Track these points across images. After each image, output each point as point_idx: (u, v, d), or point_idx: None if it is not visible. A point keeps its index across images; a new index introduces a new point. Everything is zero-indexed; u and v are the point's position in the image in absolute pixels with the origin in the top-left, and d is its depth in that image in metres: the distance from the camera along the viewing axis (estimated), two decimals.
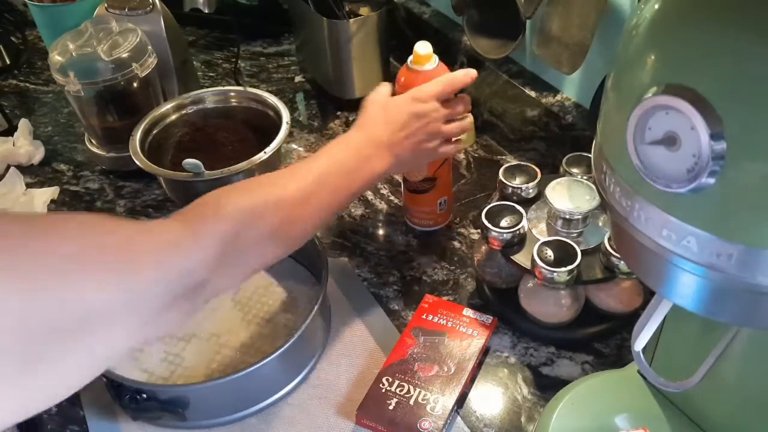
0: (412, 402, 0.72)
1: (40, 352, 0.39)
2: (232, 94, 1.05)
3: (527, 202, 0.82)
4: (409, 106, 0.77)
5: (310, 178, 0.67)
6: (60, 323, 0.40)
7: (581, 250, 0.73)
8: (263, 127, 1.00)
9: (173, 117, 1.03)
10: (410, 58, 0.82)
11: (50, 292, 0.40)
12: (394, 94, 0.81)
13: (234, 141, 0.99)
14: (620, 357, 0.78)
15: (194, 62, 1.31)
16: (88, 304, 0.42)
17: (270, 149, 0.92)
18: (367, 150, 0.73)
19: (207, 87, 1.12)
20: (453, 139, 0.82)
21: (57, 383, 0.42)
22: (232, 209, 0.59)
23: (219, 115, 1.04)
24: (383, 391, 0.74)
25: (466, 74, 0.80)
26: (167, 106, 1.02)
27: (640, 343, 0.58)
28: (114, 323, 0.44)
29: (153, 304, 0.48)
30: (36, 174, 1.12)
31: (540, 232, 0.78)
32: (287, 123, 0.96)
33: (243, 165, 0.90)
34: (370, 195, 1.02)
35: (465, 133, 0.83)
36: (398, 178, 1.00)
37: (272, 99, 1.01)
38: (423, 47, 0.81)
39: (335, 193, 0.69)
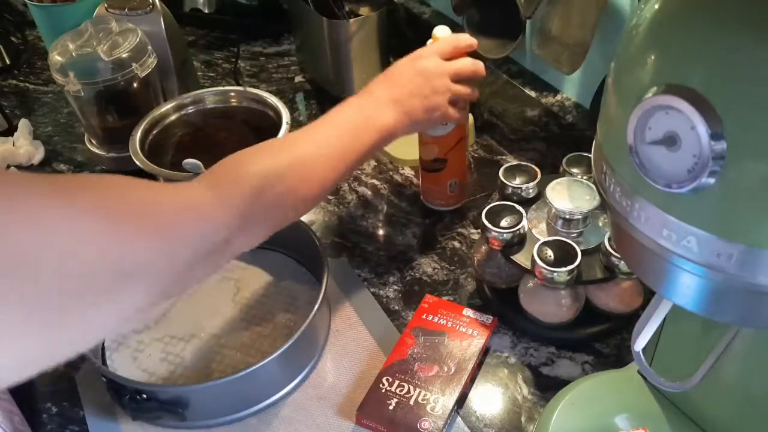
0: (412, 402, 0.72)
1: (73, 303, 0.41)
2: (232, 94, 1.05)
3: (527, 202, 0.82)
4: (411, 65, 0.78)
5: (320, 139, 0.69)
6: (95, 278, 0.42)
7: (581, 250, 0.73)
8: (263, 127, 1.00)
9: (173, 117, 1.03)
10: (429, 41, 0.85)
11: (91, 246, 0.41)
12: None
13: (234, 141, 0.99)
14: (620, 357, 0.78)
15: (194, 62, 1.31)
16: (120, 261, 0.43)
17: None
18: (368, 108, 0.74)
19: (207, 87, 1.12)
20: (459, 109, 0.83)
21: (83, 335, 0.44)
22: (255, 171, 0.61)
23: (219, 115, 1.04)
24: (383, 391, 0.74)
25: (469, 40, 0.82)
26: (167, 106, 1.02)
27: (640, 343, 0.58)
28: (141, 281, 0.45)
29: (177, 265, 0.49)
30: None
31: (540, 232, 0.78)
32: (287, 123, 0.96)
33: None
34: (369, 195, 1.02)
35: (474, 97, 0.84)
36: (406, 170, 1.00)
37: (272, 99, 1.01)
38: (442, 30, 0.85)
39: (345, 153, 0.70)
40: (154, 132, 1.00)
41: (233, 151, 0.88)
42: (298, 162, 0.65)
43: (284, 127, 0.95)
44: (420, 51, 0.80)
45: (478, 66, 0.82)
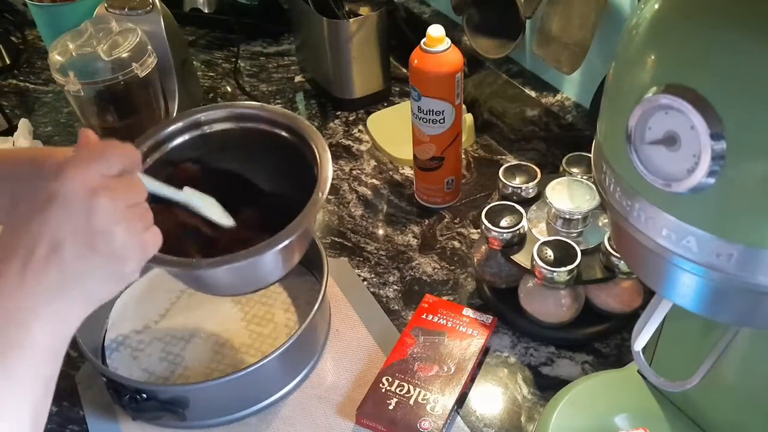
0: (412, 402, 0.72)
1: None
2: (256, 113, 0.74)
3: (527, 202, 0.82)
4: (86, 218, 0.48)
5: None
6: None
7: (581, 250, 0.73)
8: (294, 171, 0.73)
9: (178, 141, 0.74)
10: (423, 40, 0.86)
11: None
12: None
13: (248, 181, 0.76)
14: (620, 357, 0.78)
15: (194, 62, 1.31)
16: None
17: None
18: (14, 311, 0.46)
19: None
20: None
21: None
22: None
23: (232, 144, 0.75)
24: (383, 391, 0.74)
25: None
26: (174, 126, 0.73)
27: (640, 343, 0.58)
28: None
29: None
30: None
31: (540, 232, 0.78)
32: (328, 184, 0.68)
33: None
34: (369, 194, 1.02)
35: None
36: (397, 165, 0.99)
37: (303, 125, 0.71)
38: (436, 30, 0.85)
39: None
40: (156, 157, 0.73)
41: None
42: None
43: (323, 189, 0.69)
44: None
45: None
